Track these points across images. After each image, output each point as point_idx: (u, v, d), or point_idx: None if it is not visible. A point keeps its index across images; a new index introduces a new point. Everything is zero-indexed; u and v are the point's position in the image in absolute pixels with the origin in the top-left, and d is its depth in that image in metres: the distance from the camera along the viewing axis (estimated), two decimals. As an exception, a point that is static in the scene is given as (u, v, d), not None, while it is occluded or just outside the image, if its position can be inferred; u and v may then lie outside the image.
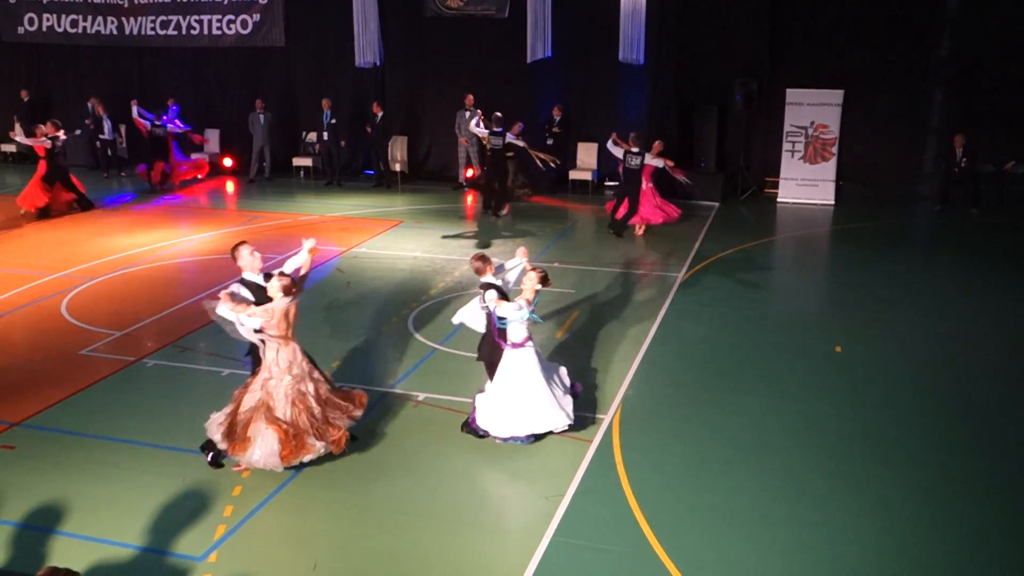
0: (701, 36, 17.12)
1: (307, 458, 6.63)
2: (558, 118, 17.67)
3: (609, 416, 7.86)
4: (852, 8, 16.62)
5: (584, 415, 7.81)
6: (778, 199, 17.31)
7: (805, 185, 17.27)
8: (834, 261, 13.88)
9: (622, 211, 14.04)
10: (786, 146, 17.27)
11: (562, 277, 11.93)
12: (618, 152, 13.99)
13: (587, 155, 18.15)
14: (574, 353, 9.34)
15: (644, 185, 14.33)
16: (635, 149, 13.78)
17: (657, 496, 6.57)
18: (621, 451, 7.24)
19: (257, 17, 19.67)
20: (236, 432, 6.63)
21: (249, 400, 6.75)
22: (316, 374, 6.96)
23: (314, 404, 6.73)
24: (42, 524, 6.22)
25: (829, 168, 17.12)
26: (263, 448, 6.52)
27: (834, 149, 17.07)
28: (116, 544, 5.97)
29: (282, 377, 6.71)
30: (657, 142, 14.59)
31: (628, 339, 9.75)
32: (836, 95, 16.82)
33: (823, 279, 12.83)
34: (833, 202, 17.07)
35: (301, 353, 6.87)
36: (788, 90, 16.99)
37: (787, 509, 6.42)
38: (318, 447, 6.60)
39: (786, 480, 6.82)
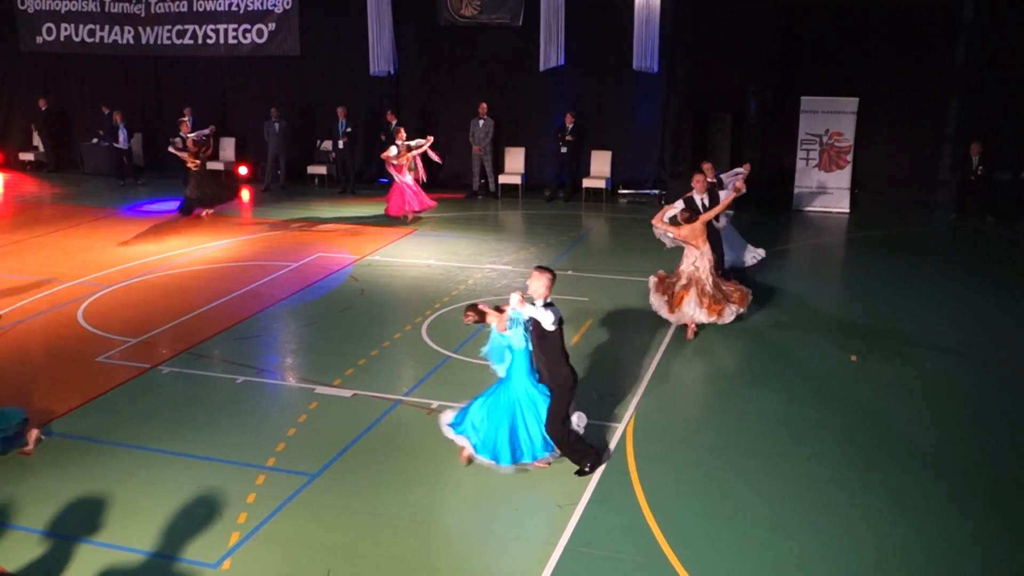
0: (715, 44, 17.10)
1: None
2: (571, 126, 17.68)
3: (623, 424, 7.84)
4: (867, 15, 16.56)
5: (598, 424, 7.80)
6: (793, 207, 17.24)
7: (820, 193, 17.20)
8: (849, 269, 13.80)
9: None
10: (800, 154, 17.22)
11: (576, 285, 11.92)
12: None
13: (601, 163, 18.14)
14: (588, 361, 9.33)
15: (399, 179, 15.57)
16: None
17: (671, 505, 6.55)
18: (635, 459, 7.21)
19: (272, 26, 19.79)
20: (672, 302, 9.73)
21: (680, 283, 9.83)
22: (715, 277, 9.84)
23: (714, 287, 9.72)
24: (58, 530, 6.25)
25: (844, 176, 17.05)
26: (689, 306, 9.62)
27: (849, 157, 17.00)
28: (131, 550, 5.99)
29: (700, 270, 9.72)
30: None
31: (642, 347, 9.73)
32: (851, 103, 16.76)
33: (838, 287, 12.76)
34: (848, 210, 17.00)
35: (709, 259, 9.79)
36: (803, 98, 16.94)
37: (804, 519, 6.38)
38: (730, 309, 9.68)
39: (803, 489, 6.78)
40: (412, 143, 15.90)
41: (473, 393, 8.42)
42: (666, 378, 8.95)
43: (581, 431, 6.97)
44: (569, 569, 5.79)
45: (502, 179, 18.49)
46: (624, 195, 18.10)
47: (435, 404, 8.23)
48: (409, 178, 15.83)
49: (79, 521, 6.37)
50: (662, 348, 9.67)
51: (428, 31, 18.83)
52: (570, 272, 12.58)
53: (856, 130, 16.87)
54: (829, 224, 16.29)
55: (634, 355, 9.54)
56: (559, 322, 6.68)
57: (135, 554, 5.96)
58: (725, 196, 10.77)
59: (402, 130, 16.29)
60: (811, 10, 16.80)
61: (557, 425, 6.79)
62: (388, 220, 15.89)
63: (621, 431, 7.71)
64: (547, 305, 6.67)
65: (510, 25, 18.25)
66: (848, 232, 15.81)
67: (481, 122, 18.04)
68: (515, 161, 18.68)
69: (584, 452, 6.91)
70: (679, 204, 10.44)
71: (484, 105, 18.01)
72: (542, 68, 17.77)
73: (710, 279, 9.86)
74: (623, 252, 13.96)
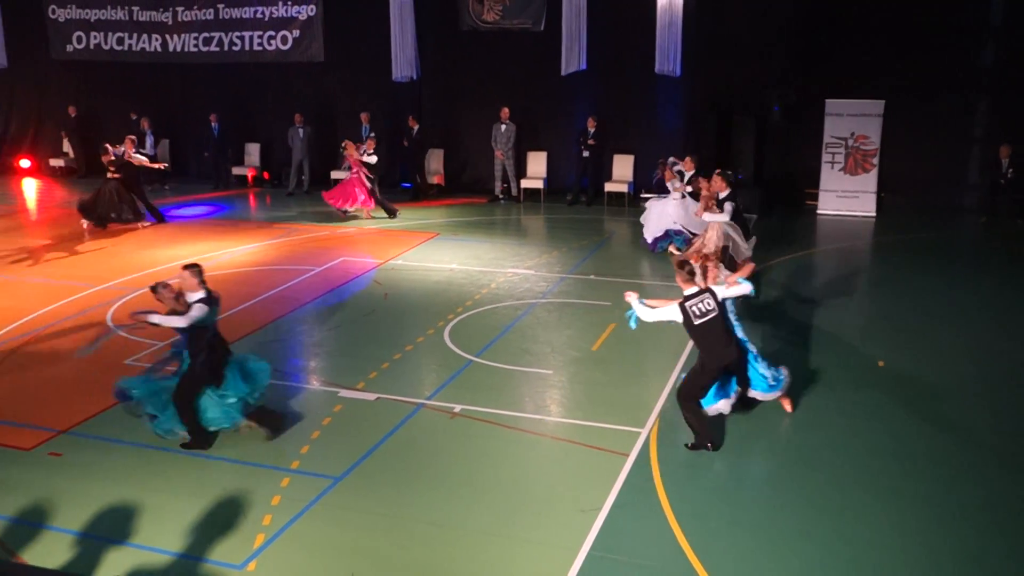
0: (738, 46, 17.04)
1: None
2: (592, 130, 17.68)
3: (646, 430, 7.81)
4: (893, 17, 16.43)
5: (621, 429, 7.79)
6: (818, 211, 17.14)
7: (846, 197, 17.09)
8: (876, 274, 13.69)
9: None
10: (826, 157, 17.11)
11: (598, 289, 11.92)
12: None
13: (623, 167, 18.13)
14: (611, 366, 9.32)
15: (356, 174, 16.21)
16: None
17: (696, 511, 6.52)
18: (659, 465, 7.19)
19: (297, 33, 19.96)
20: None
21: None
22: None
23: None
24: (87, 530, 6.33)
25: (870, 179, 16.93)
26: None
27: (875, 160, 16.88)
28: (158, 551, 6.06)
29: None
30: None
31: (666, 352, 9.70)
32: (877, 105, 16.64)
33: (865, 292, 12.65)
34: (874, 214, 16.87)
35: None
36: (827, 100, 16.84)
37: (831, 526, 6.33)
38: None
39: (830, 496, 6.73)
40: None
41: (496, 396, 8.45)
42: (690, 382, 8.90)
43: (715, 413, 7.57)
44: (592, 575, 5.78)
45: (524, 183, 18.52)
46: (646, 199, 18.03)
47: (458, 408, 8.25)
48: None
49: (108, 522, 6.44)
50: (686, 353, 9.64)
51: (450, 36, 18.91)
52: (592, 277, 12.57)
53: (882, 133, 16.75)
54: (855, 228, 16.17)
55: (658, 360, 9.52)
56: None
57: (162, 555, 6.02)
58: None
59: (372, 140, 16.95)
60: (836, 12, 16.70)
61: (695, 391, 7.44)
62: (412, 224, 15.98)
63: (645, 436, 7.68)
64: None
65: (532, 30, 18.29)
66: (875, 236, 15.70)
67: (503, 126, 18.09)
68: (537, 165, 18.70)
69: (701, 430, 7.40)
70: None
71: (506, 110, 18.05)
72: (564, 72, 17.79)
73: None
74: (645, 256, 13.92)
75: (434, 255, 14.04)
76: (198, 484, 6.94)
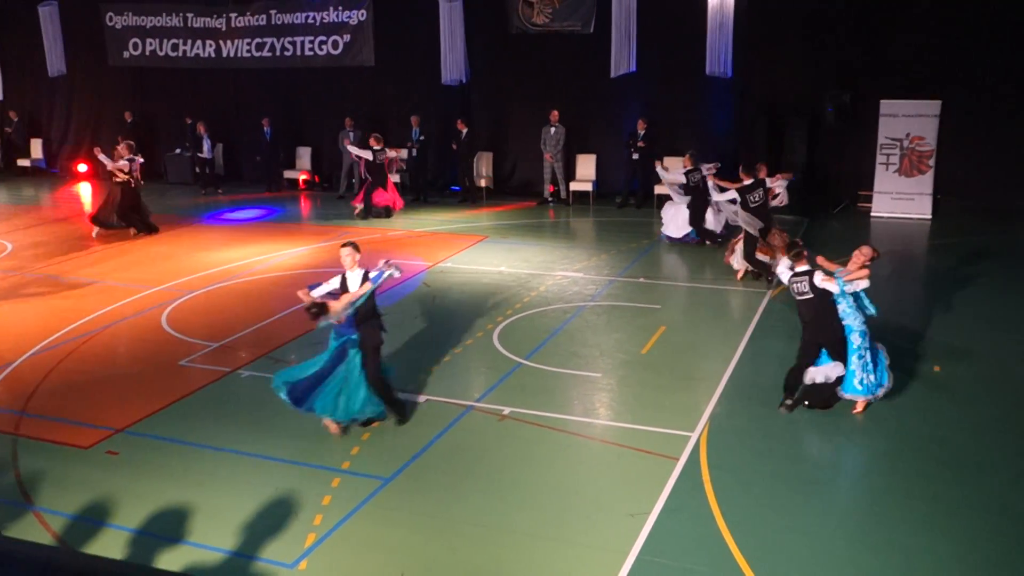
0: (790, 47, 16.83)
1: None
2: (642, 132, 17.57)
3: (696, 434, 7.74)
4: (949, 15, 16.08)
5: (670, 433, 7.73)
6: (872, 213, 16.83)
7: (900, 199, 16.75)
8: (931, 278, 13.39)
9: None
10: (880, 159, 16.80)
11: (647, 293, 11.84)
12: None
13: (673, 170, 17.94)
14: (660, 370, 9.25)
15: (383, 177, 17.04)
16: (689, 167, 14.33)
17: (746, 516, 6.44)
18: (709, 470, 7.12)
19: (348, 38, 20.16)
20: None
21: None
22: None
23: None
24: (143, 528, 6.45)
25: (926, 181, 16.57)
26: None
27: (931, 162, 16.52)
28: (212, 549, 6.16)
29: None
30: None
31: (716, 356, 9.61)
32: (933, 106, 16.28)
33: (920, 296, 12.39)
34: (930, 216, 16.51)
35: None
36: (882, 101, 16.53)
37: (884, 534, 6.21)
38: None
39: (882, 504, 6.60)
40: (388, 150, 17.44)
41: (544, 399, 8.44)
42: (741, 387, 8.82)
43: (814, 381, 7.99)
44: (641, 579, 5.74)
45: (573, 186, 18.48)
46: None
47: (507, 410, 8.25)
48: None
49: (162, 520, 6.56)
50: (736, 356, 9.54)
51: (500, 40, 18.95)
52: (642, 280, 12.50)
53: (939, 134, 16.39)
54: (910, 231, 15.85)
55: (708, 363, 9.43)
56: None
57: (215, 552, 6.12)
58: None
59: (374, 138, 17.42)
60: (891, 11, 16.40)
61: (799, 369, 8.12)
62: (461, 227, 16.06)
63: (695, 440, 7.62)
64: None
65: (581, 32, 18.25)
66: (930, 239, 15.37)
67: (552, 129, 18.07)
68: (586, 168, 18.65)
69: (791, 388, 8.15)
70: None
71: (556, 112, 18.03)
72: (613, 74, 17.73)
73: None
74: (696, 259, 13.81)
75: (483, 258, 14.08)
76: (251, 484, 7.04)
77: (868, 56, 16.63)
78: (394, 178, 18.30)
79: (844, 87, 16.48)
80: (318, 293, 7.73)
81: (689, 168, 14.37)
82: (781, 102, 17.15)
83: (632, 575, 5.78)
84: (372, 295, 7.77)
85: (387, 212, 17.27)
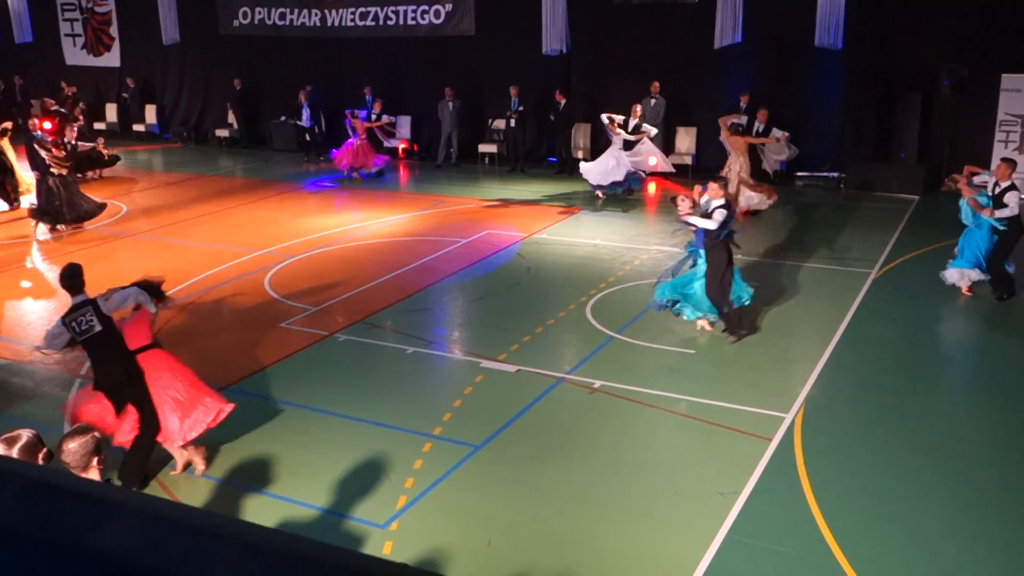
0: (905, 18, 16.09)
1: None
2: (744, 105, 17.11)
3: (791, 415, 7.58)
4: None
5: (764, 413, 7.58)
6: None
7: (1019, 177, 15.89)
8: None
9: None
10: (999, 136, 15.98)
11: (745, 269, 11.59)
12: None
13: (775, 145, 17.45)
14: (756, 348, 9.08)
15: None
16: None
17: (839, 501, 6.29)
18: (803, 452, 6.97)
19: (449, 7, 20.22)
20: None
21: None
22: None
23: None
24: (240, 481, 6.71)
25: (1048, 160, 15.70)
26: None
27: (1055, 140, 15.64)
28: (305, 505, 6.36)
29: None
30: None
31: (814, 336, 9.36)
32: (1060, 81, 15.38)
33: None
34: (1052, 197, 15.64)
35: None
36: (1003, 75, 15.68)
37: (983, 526, 5.98)
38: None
39: (983, 495, 6.35)
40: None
41: (636, 374, 8.39)
42: (839, 369, 8.58)
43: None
44: (729, 558, 5.68)
45: (672, 160, 18.17)
46: (800, 177, 17.41)
47: (597, 384, 8.24)
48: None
49: (259, 474, 6.80)
50: (836, 338, 9.28)
51: (602, 10, 18.69)
52: (739, 256, 12.24)
53: (1064, 110, 15.48)
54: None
55: (805, 344, 9.20)
56: None
57: (309, 508, 6.32)
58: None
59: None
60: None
61: None
62: (557, 199, 16.05)
63: (789, 422, 7.46)
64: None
65: (686, 2, 17.85)
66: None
67: (653, 101, 17.79)
68: (686, 141, 18.31)
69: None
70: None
71: (656, 84, 17.74)
72: (717, 46, 17.32)
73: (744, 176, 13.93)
74: (796, 236, 13.44)
75: (578, 230, 14.02)
76: (344, 444, 7.22)
77: (989, 27, 15.76)
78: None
79: (962, 60, 15.69)
80: (692, 218, 8.93)
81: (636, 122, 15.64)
82: (893, 76, 16.44)
83: (720, 554, 5.72)
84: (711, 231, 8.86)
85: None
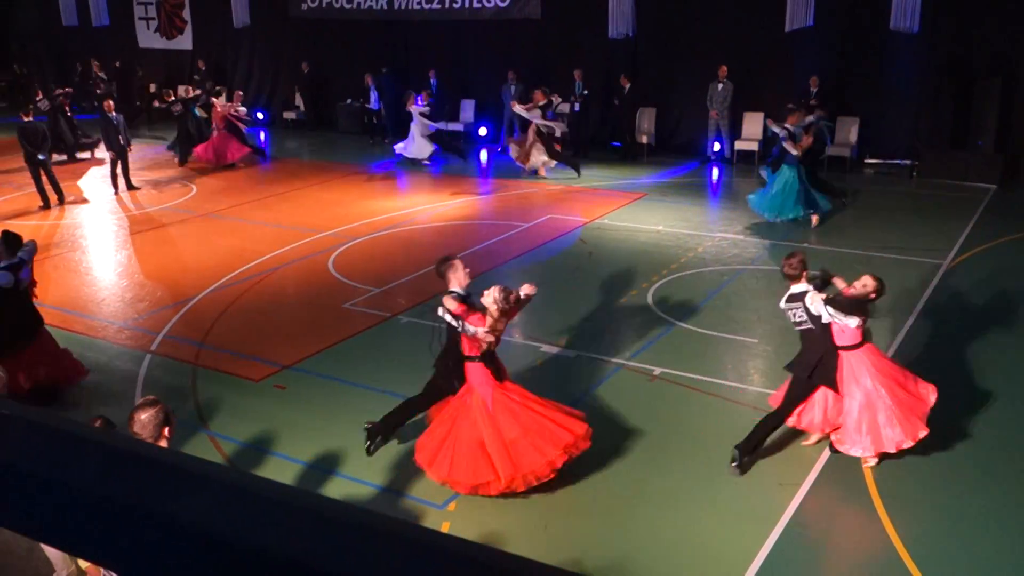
0: (986, 0, 15.55)
1: None
2: (815, 90, 16.76)
3: (855, 407, 7.43)
4: None
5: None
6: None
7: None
8: None
9: None
10: (1082, 124, 15.39)
11: (812, 258, 11.36)
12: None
13: (846, 130, 17.10)
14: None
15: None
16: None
17: (904, 495, 6.16)
18: (867, 445, 6.83)
19: (515, -10, 20.16)
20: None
21: None
22: None
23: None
24: (302, 458, 6.84)
25: None
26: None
27: None
28: (365, 483, 6.47)
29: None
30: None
31: (881, 329, 9.14)
32: None
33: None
34: None
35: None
36: (1089, 61, 15.08)
37: (1057, 527, 5.81)
38: None
39: (1058, 495, 6.16)
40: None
41: (697, 362, 8.32)
42: (907, 364, 8.36)
43: None
44: (787, 549, 5.62)
45: (739, 145, 17.92)
46: (871, 165, 17.01)
47: (657, 371, 8.19)
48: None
49: (321, 451, 6.93)
50: (903, 332, 9.07)
51: (669, -8, 18.45)
52: (806, 245, 12.04)
53: None
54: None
55: (873, 337, 8.99)
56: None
57: (369, 487, 6.42)
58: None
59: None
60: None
61: None
62: (620, 184, 15.94)
63: (853, 414, 7.31)
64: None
65: (756, -16, 17.51)
66: None
67: (720, 85, 17.53)
68: (753, 126, 18.01)
69: None
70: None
71: (724, 68, 17.46)
72: (788, 29, 16.96)
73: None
74: (865, 226, 13.14)
75: (641, 216, 13.92)
76: (405, 425, 7.28)
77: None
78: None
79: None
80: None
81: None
82: (972, 60, 15.92)
83: (779, 544, 5.66)
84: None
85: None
